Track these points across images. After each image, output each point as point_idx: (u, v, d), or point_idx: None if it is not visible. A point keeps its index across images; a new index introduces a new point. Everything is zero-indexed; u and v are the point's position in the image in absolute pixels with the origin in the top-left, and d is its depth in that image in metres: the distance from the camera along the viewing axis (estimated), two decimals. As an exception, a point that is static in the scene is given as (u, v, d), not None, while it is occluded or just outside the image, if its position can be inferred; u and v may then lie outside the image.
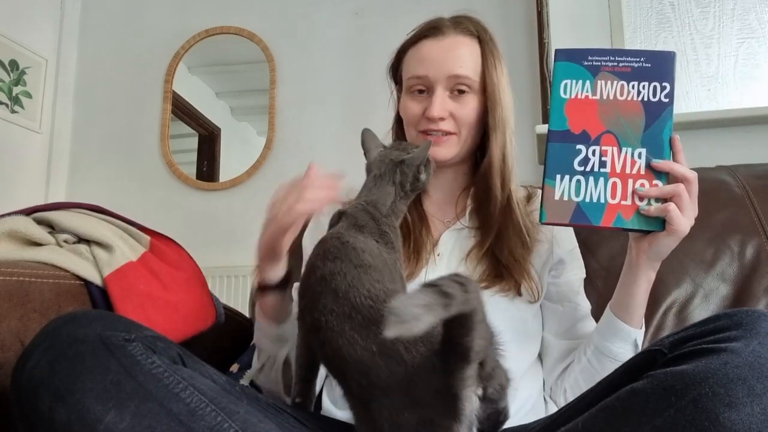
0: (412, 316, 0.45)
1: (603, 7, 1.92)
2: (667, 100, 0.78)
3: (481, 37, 0.96)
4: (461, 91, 0.94)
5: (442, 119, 0.93)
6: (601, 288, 1.06)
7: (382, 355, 0.59)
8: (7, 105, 2.48)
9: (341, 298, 0.64)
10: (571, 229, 1.01)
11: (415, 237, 0.95)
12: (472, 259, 0.93)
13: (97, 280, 0.88)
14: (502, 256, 0.91)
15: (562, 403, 0.91)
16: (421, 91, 0.96)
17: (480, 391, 0.60)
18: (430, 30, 0.97)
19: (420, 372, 0.57)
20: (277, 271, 0.85)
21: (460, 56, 0.94)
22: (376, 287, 0.65)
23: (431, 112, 0.92)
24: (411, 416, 0.56)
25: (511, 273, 0.90)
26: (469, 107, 0.94)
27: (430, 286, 0.49)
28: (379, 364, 0.58)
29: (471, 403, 0.57)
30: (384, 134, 1.07)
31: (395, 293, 0.66)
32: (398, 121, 1.06)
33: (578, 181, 0.77)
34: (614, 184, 0.77)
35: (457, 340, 0.55)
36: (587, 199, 0.77)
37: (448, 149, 0.95)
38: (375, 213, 0.80)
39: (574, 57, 0.81)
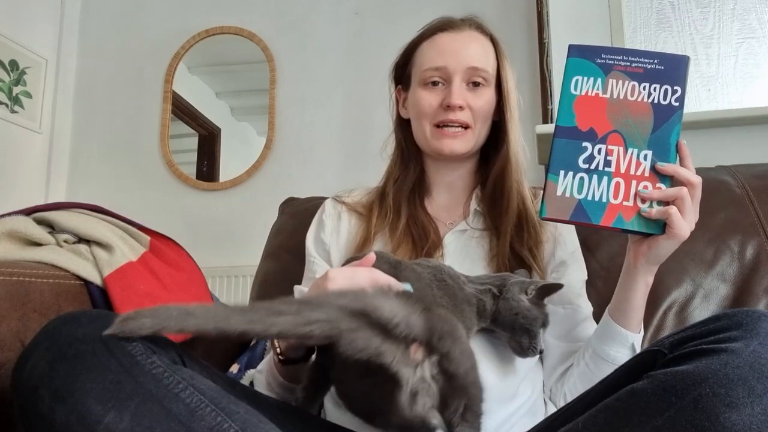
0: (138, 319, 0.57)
1: (603, 7, 1.92)
2: (677, 104, 0.77)
3: (493, 38, 1.00)
4: (476, 84, 0.96)
5: (461, 108, 0.94)
6: (601, 288, 1.06)
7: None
8: (7, 105, 2.47)
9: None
10: (573, 231, 1.01)
11: (419, 239, 0.95)
12: (486, 262, 0.93)
13: (97, 280, 0.88)
14: (523, 256, 0.91)
15: (562, 405, 0.91)
16: (435, 83, 0.97)
17: (427, 372, 0.60)
18: (446, 24, 1.00)
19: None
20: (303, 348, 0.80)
21: (477, 50, 0.97)
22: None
23: (452, 100, 0.94)
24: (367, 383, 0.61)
25: (530, 271, 0.91)
26: (483, 100, 0.96)
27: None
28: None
29: (412, 376, 0.59)
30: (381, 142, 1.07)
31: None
32: (400, 125, 1.06)
33: (582, 178, 0.77)
34: (617, 184, 0.76)
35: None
36: (589, 197, 0.76)
37: (464, 143, 0.96)
38: None
39: (587, 54, 0.80)
